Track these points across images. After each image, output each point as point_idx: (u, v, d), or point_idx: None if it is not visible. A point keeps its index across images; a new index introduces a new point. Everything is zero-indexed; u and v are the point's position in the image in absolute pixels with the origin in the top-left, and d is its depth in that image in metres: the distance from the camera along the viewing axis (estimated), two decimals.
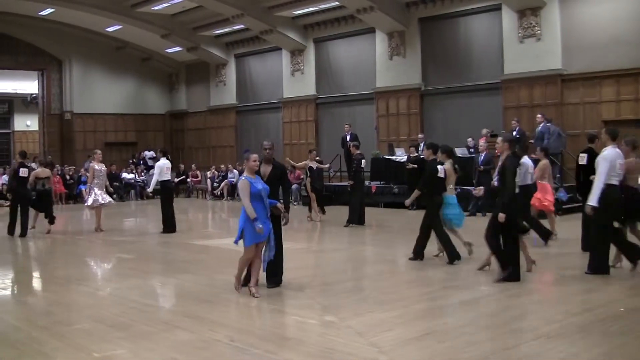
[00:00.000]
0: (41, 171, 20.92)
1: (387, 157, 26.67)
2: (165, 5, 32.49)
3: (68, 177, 33.72)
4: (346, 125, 26.86)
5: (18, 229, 19.85)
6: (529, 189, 15.08)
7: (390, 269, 13.31)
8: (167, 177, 19.74)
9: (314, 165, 22.29)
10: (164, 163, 19.69)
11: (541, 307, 10.17)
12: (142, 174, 35.74)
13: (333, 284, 11.88)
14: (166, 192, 19.86)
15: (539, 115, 22.72)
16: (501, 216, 11.21)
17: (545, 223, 16.25)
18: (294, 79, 33.14)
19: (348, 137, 25.50)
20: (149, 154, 38.59)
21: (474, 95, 26.54)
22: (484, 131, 23.35)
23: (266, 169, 11.42)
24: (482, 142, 22.04)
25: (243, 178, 10.63)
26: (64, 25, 36.39)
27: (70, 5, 32.42)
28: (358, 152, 20.40)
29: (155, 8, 32.86)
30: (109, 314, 9.94)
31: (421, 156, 24.29)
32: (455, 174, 13.78)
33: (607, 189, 11.73)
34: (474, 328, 8.75)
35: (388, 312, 9.74)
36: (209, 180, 33.95)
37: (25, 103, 48.18)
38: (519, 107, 24.93)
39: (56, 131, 38.60)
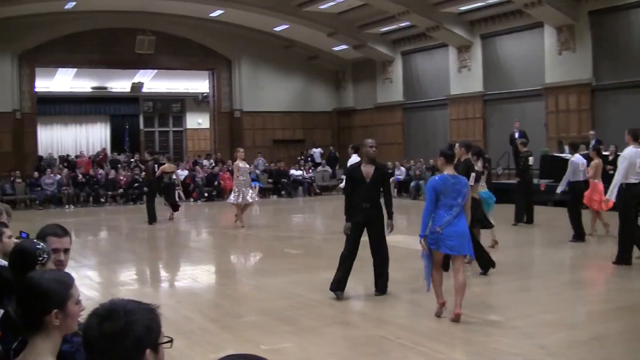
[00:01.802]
0: (168, 166, 23.82)
1: (556, 154, 26.22)
2: (332, 3, 33.04)
3: None
4: (516, 122, 26.63)
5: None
6: (579, 186, 16.46)
7: (557, 269, 13.23)
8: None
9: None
10: (354, 159, 19.88)
11: None
12: (310, 170, 36.48)
13: (498, 284, 11.93)
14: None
15: None
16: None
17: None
18: (461, 75, 33.03)
19: (517, 135, 25.28)
20: (316, 151, 39.35)
21: None
22: None
23: (369, 170, 11.00)
24: None
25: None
26: (233, 25, 37.55)
27: (239, 6, 33.50)
28: (525, 149, 20.25)
29: (322, 7, 33.47)
30: (276, 308, 10.33)
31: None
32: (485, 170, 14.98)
33: (627, 187, 12.65)
34: (637, 334, 8.66)
35: (555, 314, 9.69)
36: None
37: (196, 102, 49.78)
38: None
39: (226, 129, 39.77)
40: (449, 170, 9.35)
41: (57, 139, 48.00)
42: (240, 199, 21.04)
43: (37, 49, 34.94)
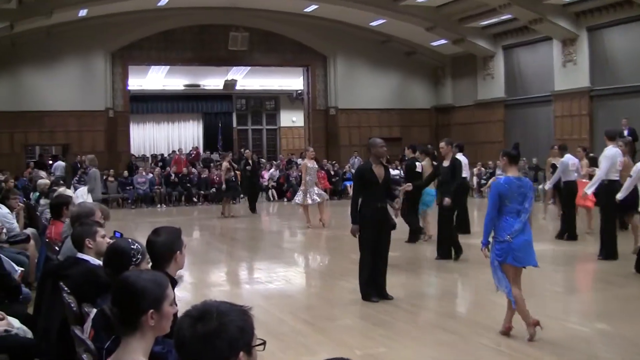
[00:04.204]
0: (223, 165, 26.54)
1: None
2: None
3: (332, 172, 34.97)
4: (623, 120, 26.12)
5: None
6: (570, 186, 17.58)
7: None
8: (464, 174, 19.67)
9: (558, 162, 22.11)
10: (461, 159, 19.80)
11: None
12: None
13: (604, 290, 11.78)
14: (460, 191, 19.84)
15: None
16: (447, 200, 14.83)
17: None
18: (566, 70, 32.48)
19: (626, 132, 24.82)
20: None
21: None
22: None
23: (380, 171, 11.07)
24: None
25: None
26: (328, 21, 37.70)
27: (334, 1, 33.61)
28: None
29: (420, 0, 33.36)
30: (371, 311, 10.38)
31: None
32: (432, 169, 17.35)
33: (609, 184, 14.15)
34: None
35: None
36: (475, 177, 33.97)
37: (290, 99, 50.18)
38: None
39: (321, 127, 40.00)
40: (513, 172, 8.88)
41: (149, 137, 49.02)
42: (308, 200, 21.46)
43: (130, 47, 35.89)
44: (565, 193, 18.04)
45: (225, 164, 26.68)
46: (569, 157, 17.89)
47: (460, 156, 19.56)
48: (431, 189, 17.48)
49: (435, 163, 17.56)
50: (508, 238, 8.44)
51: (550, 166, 21.86)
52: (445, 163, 15.67)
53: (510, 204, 8.54)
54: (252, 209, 27.56)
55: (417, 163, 17.79)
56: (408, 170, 18.18)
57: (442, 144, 15.90)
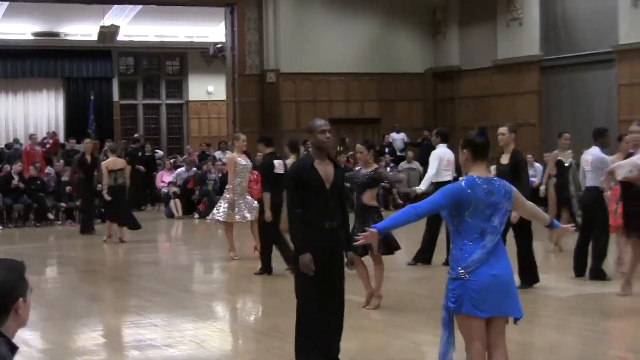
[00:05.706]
0: (112, 161, 25.20)
1: None
2: None
3: None
4: None
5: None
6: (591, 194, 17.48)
7: None
8: (448, 176, 19.50)
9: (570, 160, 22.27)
10: (443, 153, 19.83)
11: None
12: (389, 168, 36.20)
13: None
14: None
15: None
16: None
17: None
18: (637, 12, 32.64)
19: None
20: (397, 137, 39.17)
21: None
22: None
23: (327, 169, 10.56)
24: None
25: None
26: None
27: None
28: None
29: None
30: None
31: None
32: None
33: None
34: None
35: None
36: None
37: (205, 58, 50.02)
38: None
39: (254, 101, 39.90)
40: (479, 171, 8.27)
41: None
42: (235, 216, 21.33)
43: None
44: (582, 205, 18.02)
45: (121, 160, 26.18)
46: (591, 152, 17.46)
47: (442, 148, 19.62)
48: None
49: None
50: (462, 273, 7.96)
51: (555, 164, 22.03)
52: (504, 160, 15.67)
53: (471, 220, 8.04)
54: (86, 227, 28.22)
55: (276, 161, 18.74)
56: (262, 170, 19.88)
57: (503, 129, 16.07)
